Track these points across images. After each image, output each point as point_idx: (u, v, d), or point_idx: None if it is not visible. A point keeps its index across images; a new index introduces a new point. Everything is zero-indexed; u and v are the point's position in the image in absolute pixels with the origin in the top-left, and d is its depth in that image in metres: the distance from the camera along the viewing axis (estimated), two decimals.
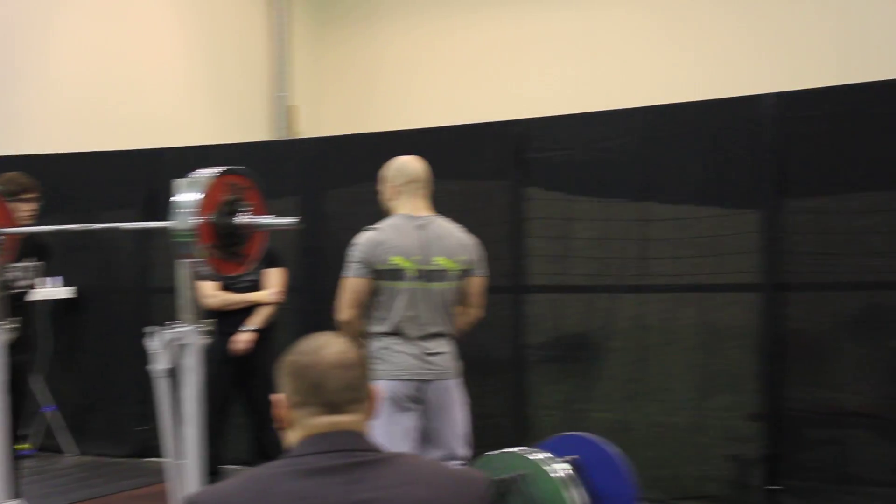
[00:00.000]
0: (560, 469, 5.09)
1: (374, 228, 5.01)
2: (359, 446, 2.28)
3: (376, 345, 5.00)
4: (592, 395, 7.14)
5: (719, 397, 6.78)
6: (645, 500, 6.30)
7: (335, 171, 8.05)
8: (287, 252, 7.40)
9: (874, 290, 6.44)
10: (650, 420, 6.91)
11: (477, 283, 5.21)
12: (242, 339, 6.88)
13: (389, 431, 4.71)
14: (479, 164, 7.60)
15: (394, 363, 4.94)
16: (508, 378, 7.36)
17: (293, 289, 7.35)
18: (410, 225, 5.02)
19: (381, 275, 4.95)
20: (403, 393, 4.88)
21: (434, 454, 4.94)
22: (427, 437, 5.00)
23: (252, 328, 6.90)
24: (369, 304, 5.02)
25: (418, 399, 4.95)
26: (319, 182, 8.13)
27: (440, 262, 5.01)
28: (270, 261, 6.86)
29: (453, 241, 5.09)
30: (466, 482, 2.35)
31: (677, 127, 6.86)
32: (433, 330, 5.00)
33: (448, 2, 12.28)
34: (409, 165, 5.17)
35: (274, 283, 7.03)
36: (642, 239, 6.92)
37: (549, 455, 5.16)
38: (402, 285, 4.97)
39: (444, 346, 5.06)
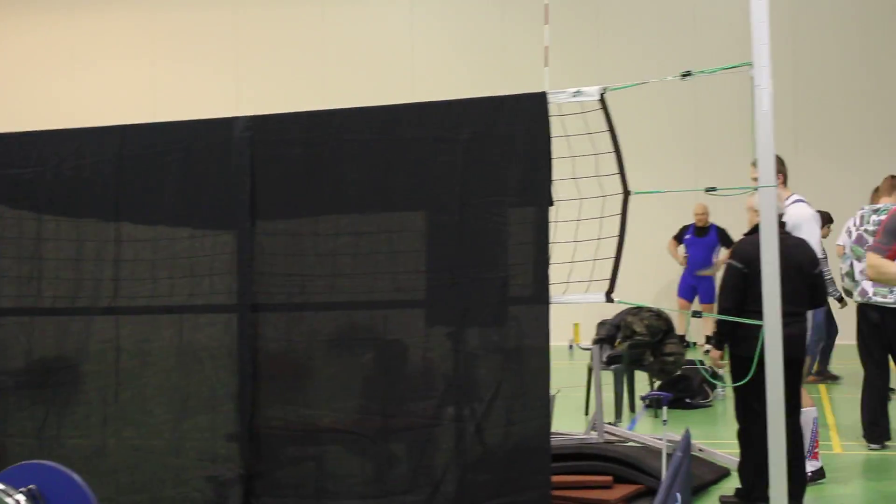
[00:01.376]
0: (16, 500, 4.82)
1: None
2: None
3: None
4: (67, 420, 6.90)
5: (197, 418, 6.78)
6: None
7: None
8: None
9: (345, 310, 6.63)
10: (127, 444, 6.81)
11: None
12: None
13: None
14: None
15: None
16: None
17: None
18: None
19: None
20: None
21: None
22: None
23: None
24: None
25: None
26: None
27: None
28: None
29: None
30: None
31: (153, 147, 6.81)
32: None
33: None
34: None
35: None
36: (117, 260, 6.78)
37: (5, 486, 4.87)
38: None
39: None
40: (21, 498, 4.93)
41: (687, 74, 6.33)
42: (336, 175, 6.63)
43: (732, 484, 7.42)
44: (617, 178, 6.24)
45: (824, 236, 12.46)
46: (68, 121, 7.71)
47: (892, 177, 9.72)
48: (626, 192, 6.24)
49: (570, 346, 15.80)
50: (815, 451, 7.80)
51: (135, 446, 6.74)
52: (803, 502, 7.06)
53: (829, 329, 12.61)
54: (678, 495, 4.31)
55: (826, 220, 12.65)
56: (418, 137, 6.47)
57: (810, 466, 7.55)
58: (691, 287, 16.34)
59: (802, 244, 7.18)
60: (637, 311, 10.30)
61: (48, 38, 11.84)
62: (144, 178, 6.86)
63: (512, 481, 6.17)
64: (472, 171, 6.36)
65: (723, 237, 16.07)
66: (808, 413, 7.52)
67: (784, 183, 7.69)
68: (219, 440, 6.68)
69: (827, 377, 12.90)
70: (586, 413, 9.76)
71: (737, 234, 9.20)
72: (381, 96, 7.07)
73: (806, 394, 7.58)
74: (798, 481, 6.79)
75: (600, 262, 6.30)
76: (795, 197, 8.08)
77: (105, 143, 6.98)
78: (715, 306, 7.66)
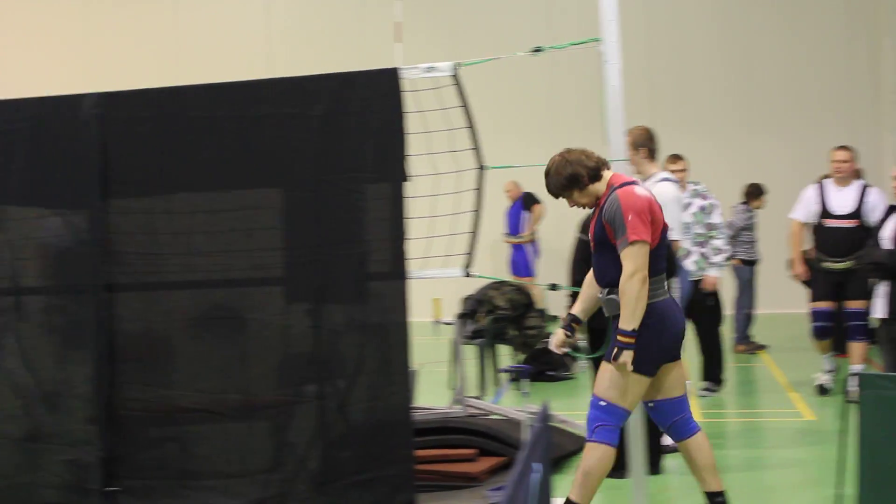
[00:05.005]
0: None
1: None
2: None
3: None
4: None
5: (53, 401, 6.70)
6: None
7: None
8: None
9: (202, 289, 6.64)
10: None
11: None
12: None
13: None
14: None
15: None
16: None
17: None
18: None
19: None
20: None
21: None
22: None
23: None
24: None
25: None
26: None
27: None
28: None
29: None
30: None
31: (1, 123, 6.64)
32: None
33: None
34: None
35: None
36: None
37: None
38: None
39: None
40: None
41: (538, 50, 6.49)
42: (189, 152, 6.67)
43: None
44: (471, 153, 6.37)
45: (757, 207, 13.02)
46: None
47: None
48: (481, 167, 6.37)
49: (436, 322, 16.01)
50: None
51: None
52: (661, 469, 7.33)
53: (751, 299, 13.22)
54: (537, 465, 4.45)
55: (758, 192, 13.17)
56: (272, 114, 6.56)
57: None
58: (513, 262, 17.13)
59: None
60: (498, 285, 10.49)
61: None
62: None
63: (376, 457, 6.32)
64: (326, 148, 6.48)
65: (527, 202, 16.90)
66: None
67: (650, 158, 7.82)
68: (77, 423, 6.72)
69: (754, 347, 13.37)
70: (451, 388, 9.92)
71: None
72: (237, 77, 7.05)
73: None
74: (654, 449, 7.03)
75: (458, 237, 6.41)
76: (662, 175, 8.02)
77: None
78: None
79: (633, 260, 5.40)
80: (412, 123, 6.35)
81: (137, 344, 6.67)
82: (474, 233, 6.48)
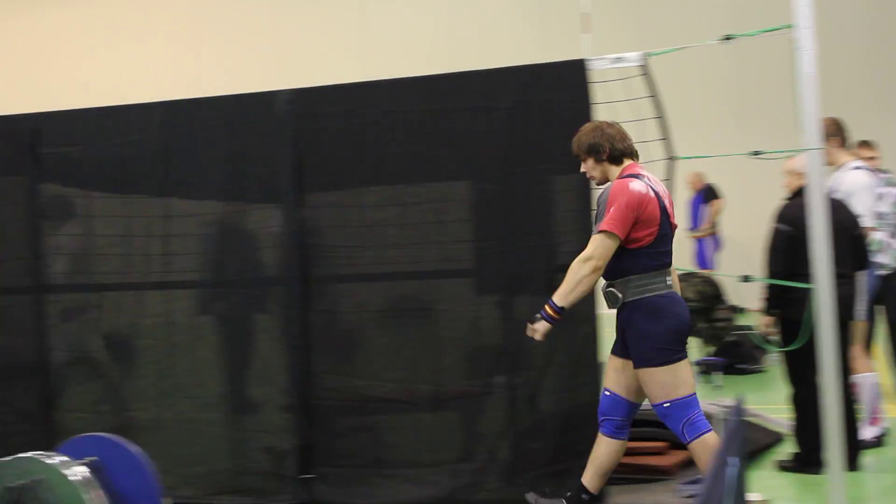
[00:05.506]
0: (78, 472, 5.00)
1: None
2: None
3: None
4: (122, 394, 7.13)
5: (252, 391, 6.93)
6: (181, 498, 6.31)
7: None
8: None
9: (392, 281, 6.75)
10: (182, 417, 7.04)
11: None
12: None
13: None
14: None
15: None
16: (34, 381, 7.13)
17: None
18: None
19: None
20: None
21: None
22: None
23: None
24: None
25: None
26: None
27: None
28: None
29: None
30: None
31: (197, 122, 6.98)
32: None
33: None
34: None
35: None
36: (165, 235, 6.91)
37: (67, 458, 5.05)
38: None
39: None
40: (83, 469, 5.10)
41: (728, 38, 6.37)
42: (380, 146, 6.77)
43: (788, 449, 7.47)
44: (661, 143, 6.30)
45: None
46: (108, 97, 7.84)
47: None
48: (671, 158, 6.30)
49: None
50: (875, 416, 7.79)
51: (190, 419, 6.94)
52: (859, 466, 7.11)
53: None
54: (734, 459, 4.37)
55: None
56: (460, 107, 6.62)
57: (871, 432, 7.58)
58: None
59: (843, 205, 7.17)
60: (687, 277, 10.35)
61: (84, 14, 11.98)
62: (190, 154, 7.03)
63: (566, 448, 6.34)
64: (514, 140, 6.50)
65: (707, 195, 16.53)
66: (866, 378, 7.55)
67: (842, 147, 7.62)
68: (274, 412, 6.91)
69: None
70: None
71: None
72: (423, 71, 7.14)
73: (865, 358, 7.60)
74: (852, 445, 6.83)
75: None
76: (855, 163, 7.80)
77: (150, 120, 7.15)
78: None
79: (595, 246, 5.46)
80: (600, 114, 6.32)
81: (331, 335, 6.82)
82: None
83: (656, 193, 5.61)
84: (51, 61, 11.10)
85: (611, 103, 6.36)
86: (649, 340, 5.52)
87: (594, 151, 5.71)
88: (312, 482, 6.71)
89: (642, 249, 5.53)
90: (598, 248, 5.45)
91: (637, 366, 5.59)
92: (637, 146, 5.92)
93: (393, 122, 6.73)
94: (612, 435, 5.85)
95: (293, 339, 6.81)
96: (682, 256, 16.41)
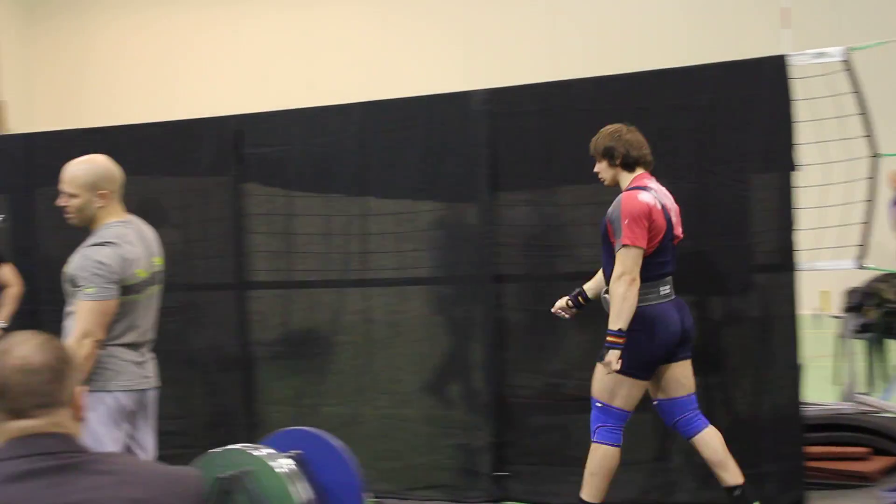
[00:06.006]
0: (284, 464, 5.16)
1: (111, 243, 4.76)
2: (62, 449, 2.29)
3: (102, 355, 4.81)
4: (322, 389, 7.32)
5: (447, 388, 7.05)
6: (377, 492, 6.43)
7: (45, 168, 7.80)
8: None
9: (588, 280, 6.73)
10: (381, 412, 7.22)
11: None
12: None
13: (113, 440, 4.63)
14: (197, 160, 7.60)
15: (122, 373, 4.83)
16: (237, 375, 7.40)
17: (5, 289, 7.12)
18: (131, 231, 4.90)
19: (127, 290, 4.79)
20: (126, 404, 4.74)
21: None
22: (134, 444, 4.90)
23: (2, 324, 6.77)
24: None
25: (136, 409, 4.82)
26: (28, 180, 7.85)
27: (157, 262, 4.97)
28: None
29: (154, 239, 5.12)
30: (179, 481, 2.41)
31: (393, 122, 7.11)
32: (149, 336, 4.96)
33: None
34: (114, 168, 4.98)
35: (14, 279, 6.91)
36: (363, 234, 7.06)
37: (273, 451, 5.20)
38: (139, 297, 4.89)
39: (151, 353, 5.04)
40: (289, 461, 5.25)
41: None
42: (574, 145, 6.73)
43: None
44: (864, 141, 6.14)
45: None
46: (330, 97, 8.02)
47: None
48: (876, 155, 6.13)
49: (818, 315, 15.47)
50: None
51: (387, 415, 7.08)
52: None
53: None
54: None
55: None
56: (656, 105, 6.55)
57: None
58: None
59: None
60: (887, 277, 10.01)
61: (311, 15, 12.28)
62: (386, 154, 7.14)
63: (764, 451, 6.24)
64: (712, 137, 6.43)
65: None
66: None
67: None
68: (468, 409, 6.97)
69: None
70: (837, 384, 9.58)
71: None
72: (614, 67, 7.10)
73: None
74: None
75: (849, 227, 6.20)
76: None
77: (348, 120, 7.29)
78: None
79: (623, 262, 5.49)
80: (801, 111, 6.19)
81: (525, 333, 6.85)
82: (868, 223, 6.24)
83: (663, 206, 5.67)
84: (284, 61, 11.41)
85: (812, 100, 6.23)
86: (636, 353, 5.57)
87: (608, 155, 5.78)
88: (506, 480, 6.77)
89: (645, 258, 5.58)
90: (627, 261, 5.50)
91: (598, 359, 5.68)
92: (840, 143, 5.79)
93: (588, 120, 6.70)
94: (692, 432, 5.87)
95: (488, 337, 6.88)
96: (885, 256, 15.87)
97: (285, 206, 7.38)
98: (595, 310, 6.73)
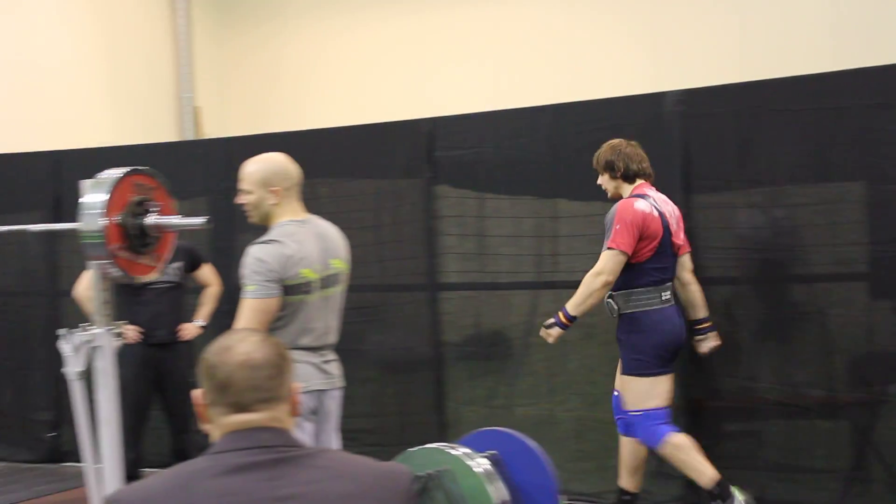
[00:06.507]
0: (481, 463, 5.20)
1: (275, 241, 4.76)
2: (279, 442, 2.36)
3: None
4: (514, 390, 7.40)
5: None
6: (571, 494, 6.42)
7: None
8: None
9: (782, 283, 6.62)
10: (573, 414, 7.25)
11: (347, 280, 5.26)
12: (190, 329, 6.97)
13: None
14: (391, 163, 7.73)
15: (300, 375, 4.83)
16: (429, 375, 7.49)
17: (196, 287, 7.38)
18: (305, 231, 4.89)
19: (290, 290, 4.76)
20: (306, 404, 4.84)
21: None
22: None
23: (201, 322, 7.00)
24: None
25: (316, 410, 4.90)
26: (227, 183, 8.07)
27: (335, 264, 5.02)
28: (194, 259, 7.06)
29: (338, 240, 5.15)
30: (390, 476, 2.44)
31: (585, 124, 7.14)
32: (329, 338, 5.00)
33: None
34: (289, 166, 4.95)
35: (214, 279, 7.16)
36: (553, 236, 7.06)
37: (469, 450, 5.25)
38: (309, 297, 4.88)
39: (334, 354, 5.08)
40: (485, 461, 5.29)
41: None
42: (769, 146, 6.64)
43: None
44: None
45: None
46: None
47: None
48: None
49: None
50: None
51: (581, 416, 7.06)
52: None
53: None
54: None
55: None
56: (856, 105, 6.36)
57: None
58: None
59: None
60: None
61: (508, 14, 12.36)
62: (578, 155, 7.12)
63: None
64: None
65: None
66: None
67: None
68: None
69: None
70: None
71: None
72: (805, 67, 6.94)
73: None
74: None
75: None
76: None
77: (539, 122, 7.31)
78: None
79: (606, 262, 5.88)
80: None
81: (721, 337, 6.73)
82: None
83: (661, 213, 5.96)
84: (435, 64, 11.53)
85: None
86: (634, 351, 5.95)
87: (609, 168, 6.14)
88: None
89: (641, 265, 5.92)
90: (608, 263, 5.86)
91: (622, 371, 6.05)
92: None
93: (783, 120, 6.58)
94: (626, 433, 6.13)
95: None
96: None
97: (476, 208, 7.44)
98: (797, 317, 6.62)
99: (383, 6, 11.98)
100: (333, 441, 5.09)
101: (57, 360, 4.84)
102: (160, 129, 12.00)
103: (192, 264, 7.26)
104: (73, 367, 4.62)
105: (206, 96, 12.62)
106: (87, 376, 4.67)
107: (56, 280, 8.74)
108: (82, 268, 6.29)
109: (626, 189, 6.11)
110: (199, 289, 7.38)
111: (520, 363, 7.42)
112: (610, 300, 6.02)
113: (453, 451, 5.33)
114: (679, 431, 6.00)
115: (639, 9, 10.81)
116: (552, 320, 6.00)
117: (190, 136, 12.23)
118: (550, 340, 6.04)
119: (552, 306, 7.14)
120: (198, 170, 8.35)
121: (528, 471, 5.45)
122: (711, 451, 6.65)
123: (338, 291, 5.05)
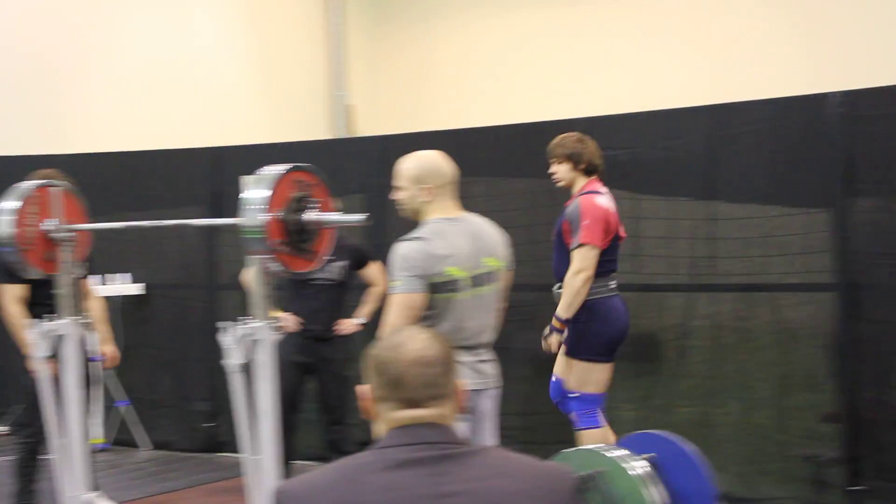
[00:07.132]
0: (638, 467, 5.19)
1: (421, 238, 4.69)
2: (444, 439, 2.35)
3: None
4: (671, 391, 7.38)
5: (796, 396, 6.87)
6: (728, 498, 6.31)
7: None
8: None
9: None
10: (731, 417, 7.13)
11: (508, 279, 5.18)
12: (348, 325, 7.12)
13: None
14: (543, 162, 7.61)
15: None
16: None
17: (361, 285, 7.38)
18: (456, 229, 4.81)
19: (437, 287, 4.69)
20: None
21: None
22: None
23: (362, 319, 7.04)
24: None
25: (471, 409, 4.85)
26: (382, 180, 8.13)
27: (488, 263, 4.94)
28: (361, 258, 7.10)
29: (494, 238, 5.05)
30: (554, 476, 2.40)
31: (743, 126, 7.09)
32: (483, 338, 4.94)
33: None
34: (443, 164, 4.86)
35: (380, 278, 7.17)
36: (709, 238, 6.97)
37: (627, 452, 5.18)
38: (457, 296, 4.80)
39: (490, 354, 5.01)
40: (644, 464, 5.22)
41: None
42: None
43: None
44: None
45: None
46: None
47: None
48: None
49: None
50: None
51: (737, 420, 6.95)
52: None
53: None
54: None
55: None
56: None
57: None
58: None
59: None
60: None
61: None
62: (734, 157, 7.03)
63: None
64: None
65: None
66: None
67: None
68: (818, 420, 6.82)
69: None
70: None
71: None
72: None
73: None
74: None
75: None
76: None
77: (695, 124, 7.21)
78: None
79: (582, 260, 5.86)
80: None
81: (880, 345, 6.55)
82: None
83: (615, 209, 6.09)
84: (585, 64, 11.48)
85: None
86: (581, 336, 5.94)
87: (574, 159, 6.08)
88: (862, 494, 6.53)
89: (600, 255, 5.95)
90: (584, 259, 5.86)
91: (566, 353, 6.05)
92: None
93: None
94: (566, 411, 6.11)
95: (840, 348, 6.65)
96: None
97: (631, 209, 7.34)
98: None
99: (537, 5, 11.95)
100: (489, 441, 5.03)
101: (214, 351, 4.93)
102: (313, 127, 12.19)
103: (359, 263, 7.29)
104: (233, 360, 4.69)
105: (360, 94, 12.76)
106: (246, 368, 4.73)
107: (214, 273, 8.96)
108: (241, 262, 6.38)
109: (580, 182, 6.10)
110: (363, 286, 7.40)
111: (676, 365, 7.33)
112: (559, 290, 5.95)
113: (609, 454, 5.26)
114: (602, 427, 6.02)
115: (799, 4, 10.60)
116: (548, 330, 5.95)
117: (342, 134, 12.39)
118: (554, 349, 5.99)
119: (709, 309, 7.05)
120: (354, 167, 8.43)
121: (686, 476, 5.35)
122: (874, 463, 6.48)
123: (492, 290, 4.94)
